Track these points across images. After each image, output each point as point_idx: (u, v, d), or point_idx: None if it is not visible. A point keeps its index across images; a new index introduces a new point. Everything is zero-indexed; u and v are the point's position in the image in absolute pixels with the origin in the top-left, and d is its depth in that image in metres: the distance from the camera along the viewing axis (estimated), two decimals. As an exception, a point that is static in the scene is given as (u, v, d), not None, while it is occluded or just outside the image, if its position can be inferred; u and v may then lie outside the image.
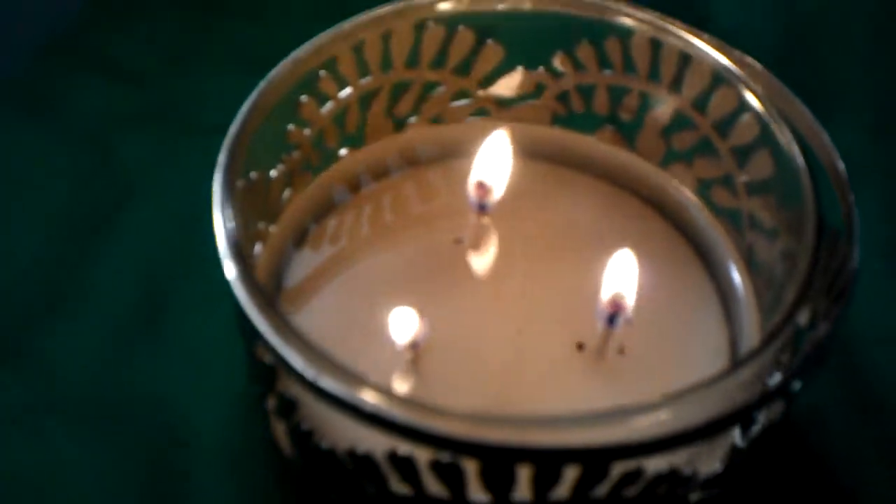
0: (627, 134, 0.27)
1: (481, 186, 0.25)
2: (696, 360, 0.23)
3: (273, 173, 0.25)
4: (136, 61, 0.37)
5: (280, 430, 0.22)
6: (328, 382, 0.18)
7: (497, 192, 0.25)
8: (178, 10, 0.38)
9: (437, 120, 0.28)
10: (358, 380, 0.18)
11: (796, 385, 0.18)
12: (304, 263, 0.25)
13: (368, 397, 0.18)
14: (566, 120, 0.28)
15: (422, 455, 0.18)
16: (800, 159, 0.22)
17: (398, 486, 0.19)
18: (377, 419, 0.18)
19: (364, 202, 0.27)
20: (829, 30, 0.39)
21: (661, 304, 0.24)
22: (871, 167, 0.33)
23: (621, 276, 0.23)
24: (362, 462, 0.19)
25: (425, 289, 0.24)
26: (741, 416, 0.18)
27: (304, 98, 0.25)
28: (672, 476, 0.18)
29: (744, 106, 0.24)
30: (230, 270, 0.19)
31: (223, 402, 0.27)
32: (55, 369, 0.28)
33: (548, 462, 0.17)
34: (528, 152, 0.27)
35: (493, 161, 0.25)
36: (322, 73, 0.25)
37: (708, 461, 0.20)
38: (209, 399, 0.27)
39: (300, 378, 0.18)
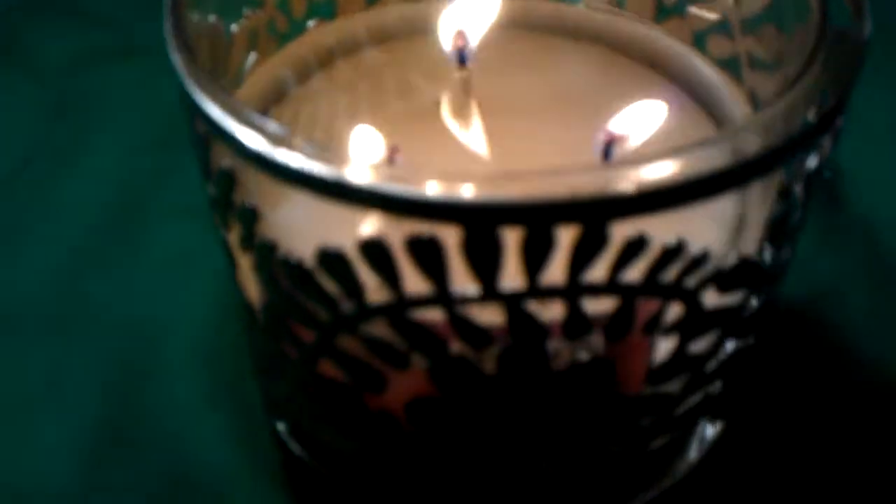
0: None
1: (460, 35, 0.23)
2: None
3: (234, 27, 0.23)
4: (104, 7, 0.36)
5: (245, 267, 0.20)
6: (283, 153, 0.16)
7: (476, 39, 0.23)
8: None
9: (413, -6, 0.26)
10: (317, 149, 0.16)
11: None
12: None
13: (331, 163, 0.16)
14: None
15: (395, 236, 0.16)
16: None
17: (375, 296, 0.17)
18: (341, 187, 0.16)
19: (335, 74, 0.25)
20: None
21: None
22: None
23: (622, 122, 0.22)
24: (333, 263, 0.17)
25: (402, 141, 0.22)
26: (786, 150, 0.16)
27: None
28: (681, 252, 0.16)
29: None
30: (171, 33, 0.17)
31: (196, 305, 0.26)
32: (23, 282, 0.28)
33: (536, 220, 0.15)
34: (515, 23, 0.26)
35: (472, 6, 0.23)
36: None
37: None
38: (181, 304, 0.27)
39: (243, 149, 0.16)
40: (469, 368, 0.18)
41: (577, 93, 0.24)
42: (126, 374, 0.26)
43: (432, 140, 0.23)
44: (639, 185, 0.15)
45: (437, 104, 0.24)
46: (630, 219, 0.15)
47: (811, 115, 0.16)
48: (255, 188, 0.18)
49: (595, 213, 0.15)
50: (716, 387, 0.21)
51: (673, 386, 0.20)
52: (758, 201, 0.20)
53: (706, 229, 0.19)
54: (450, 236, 0.16)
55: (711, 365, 0.20)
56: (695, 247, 0.16)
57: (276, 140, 0.16)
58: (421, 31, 0.26)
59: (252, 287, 0.21)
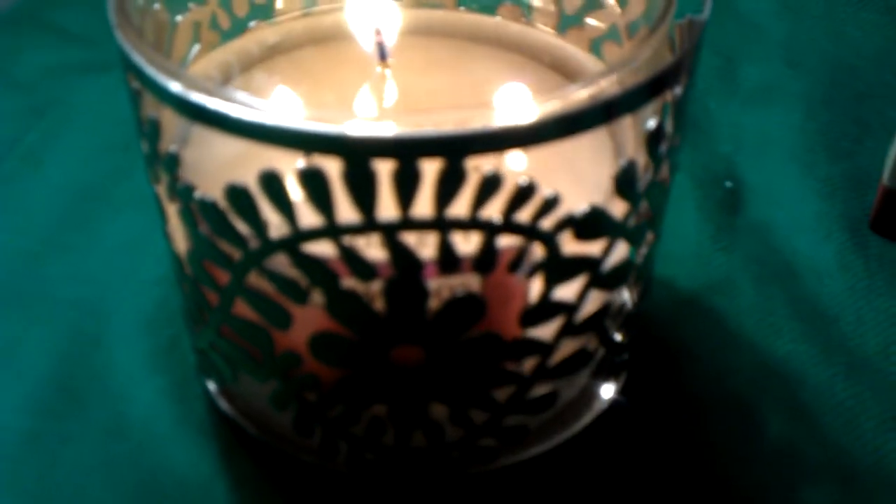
0: (526, 7, 0.29)
1: (377, 32, 0.26)
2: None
3: (179, 18, 0.26)
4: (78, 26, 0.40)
5: (173, 218, 0.22)
6: (197, 95, 0.19)
7: (392, 39, 0.26)
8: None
9: (344, 5, 0.29)
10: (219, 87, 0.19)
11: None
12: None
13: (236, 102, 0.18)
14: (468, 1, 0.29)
15: (288, 165, 0.19)
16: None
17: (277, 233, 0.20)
18: (242, 124, 0.18)
19: (276, 66, 0.28)
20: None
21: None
22: None
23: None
24: (239, 199, 0.20)
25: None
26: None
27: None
28: (533, 192, 0.19)
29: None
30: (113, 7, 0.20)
31: (141, 284, 0.29)
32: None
33: (404, 154, 0.18)
34: (438, 31, 0.29)
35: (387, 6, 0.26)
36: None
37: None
38: (129, 283, 0.29)
39: (169, 96, 0.19)
40: (359, 303, 0.21)
41: (486, 87, 0.27)
42: (76, 343, 0.29)
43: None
44: (491, 124, 0.18)
45: (361, 93, 0.27)
46: (488, 154, 0.18)
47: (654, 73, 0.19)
48: (179, 138, 0.21)
49: (454, 147, 0.18)
50: (592, 341, 0.24)
51: (546, 332, 0.22)
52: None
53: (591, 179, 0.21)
54: (333, 169, 0.18)
55: (581, 314, 0.22)
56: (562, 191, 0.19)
57: (189, 83, 0.19)
58: (350, 36, 0.29)
59: (179, 240, 0.23)
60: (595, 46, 0.28)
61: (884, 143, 0.32)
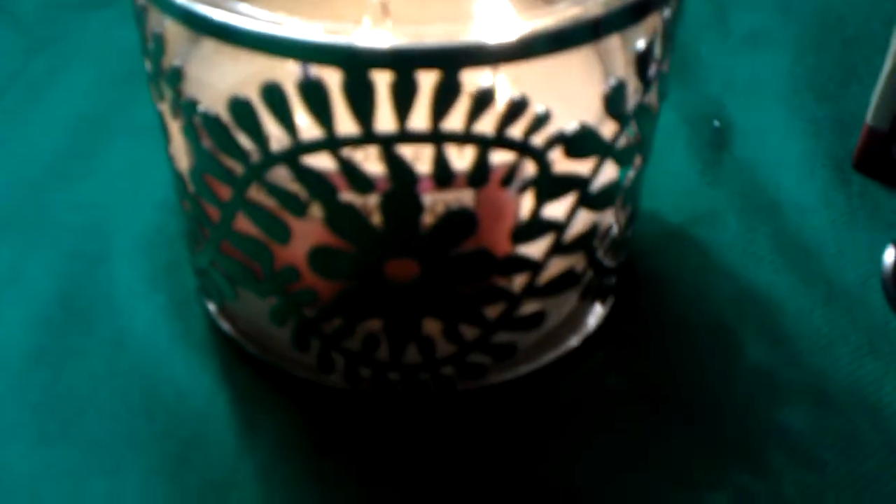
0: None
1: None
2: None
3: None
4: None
5: (176, 136, 0.23)
6: (203, 8, 0.19)
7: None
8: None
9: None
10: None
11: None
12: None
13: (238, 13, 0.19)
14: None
15: (289, 80, 0.20)
16: None
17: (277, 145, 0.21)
18: (246, 35, 0.19)
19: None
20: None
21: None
22: None
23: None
24: (241, 111, 0.20)
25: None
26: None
27: None
28: (525, 108, 0.20)
29: None
30: None
31: (142, 208, 0.30)
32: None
33: (401, 65, 0.19)
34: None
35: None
36: None
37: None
38: (130, 207, 0.30)
39: (174, 8, 0.20)
40: (357, 216, 0.21)
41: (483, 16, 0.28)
42: (79, 264, 0.30)
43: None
44: (485, 38, 0.19)
45: (359, 23, 0.27)
46: (481, 66, 0.19)
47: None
48: (182, 56, 0.22)
49: (450, 59, 0.19)
50: (580, 261, 0.24)
51: (536, 250, 0.23)
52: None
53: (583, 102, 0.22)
54: (334, 82, 0.19)
55: (570, 233, 0.23)
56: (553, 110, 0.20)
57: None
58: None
59: (182, 158, 0.24)
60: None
61: (868, 88, 0.33)
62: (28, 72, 0.37)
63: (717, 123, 0.34)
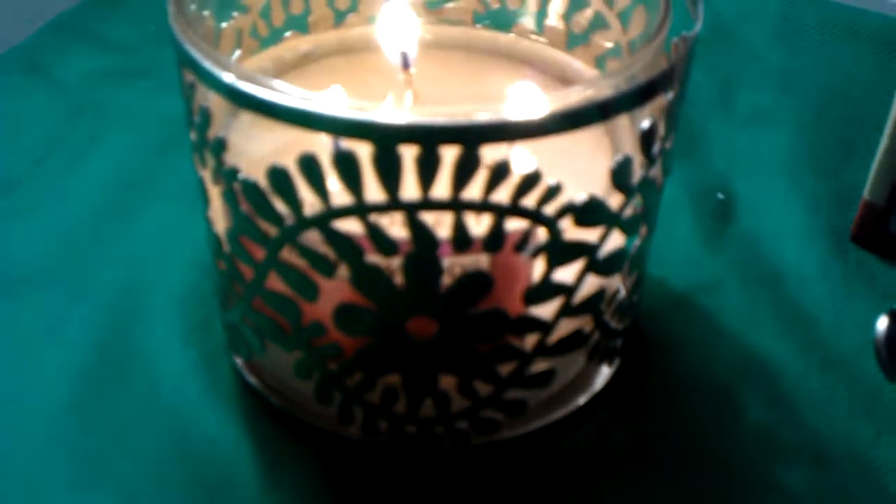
0: (539, 24, 0.32)
1: (400, 44, 0.29)
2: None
3: (223, 25, 0.29)
4: (119, 35, 0.43)
5: (215, 201, 0.25)
6: (246, 84, 0.21)
7: (414, 49, 0.29)
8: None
9: (372, 19, 0.32)
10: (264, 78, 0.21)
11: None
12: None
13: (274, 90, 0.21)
14: (487, 17, 0.32)
15: (323, 151, 0.22)
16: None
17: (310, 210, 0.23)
18: (287, 111, 0.21)
19: (307, 73, 0.31)
20: None
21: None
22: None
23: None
24: (278, 179, 0.22)
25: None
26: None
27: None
28: (538, 180, 0.22)
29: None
30: (172, 10, 0.23)
31: (176, 268, 0.32)
32: (37, 248, 0.34)
33: (426, 139, 0.21)
34: (453, 45, 0.32)
35: (409, 22, 0.29)
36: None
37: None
38: (165, 266, 0.32)
39: (221, 85, 0.22)
40: (381, 276, 0.23)
41: (499, 95, 0.30)
42: (116, 320, 0.31)
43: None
44: (503, 116, 0.21)
45: (386, 98, 0.30)
46: (498, 143, 0.21)
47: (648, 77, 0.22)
48: (225, 127, 0.24)
49: (470, 135, 0.21)
50: (588, 323, 0.26)
51: (547, 311, 0.25)
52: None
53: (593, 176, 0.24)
54: (364, 153, 0.21)
55: (578, 296, 0.25)
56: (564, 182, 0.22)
57: (240, 74, 0.22)
58: (377, 47, 0.32)
59: (220, 221, 0.26)
60: (600, 62, 0.30)
61: (868, 163, 0.35)
62: (71, 135, 0.39)
63: (721, 196, 0.36)
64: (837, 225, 0.35)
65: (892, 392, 0.29)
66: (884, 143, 0.33)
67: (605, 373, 0.29)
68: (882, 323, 0.28)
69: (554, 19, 0.31)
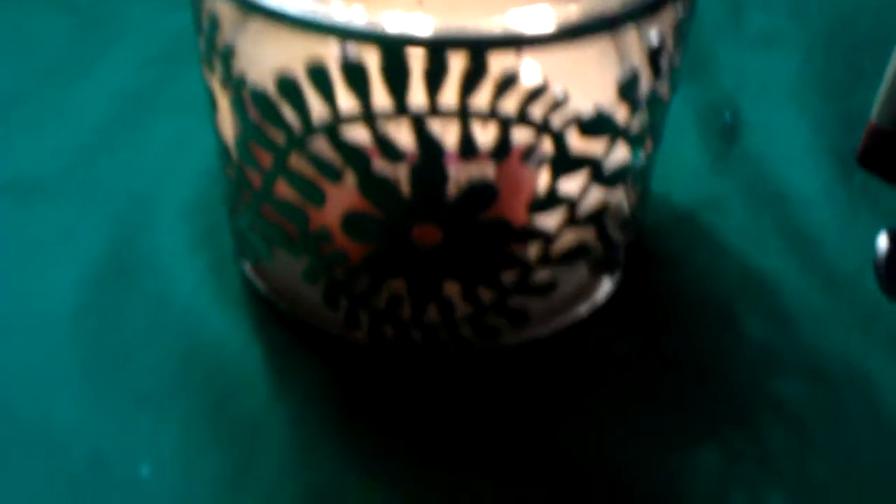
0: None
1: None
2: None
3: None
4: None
5: (223, 109, 0.25)
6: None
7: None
8: None
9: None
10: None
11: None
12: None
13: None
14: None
15: (331, 58, 0.22)
16: None
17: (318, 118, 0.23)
18: (296, 18, 0.21)
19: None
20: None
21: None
22: None
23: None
24: (287, 87, 0.23)
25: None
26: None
27: None
28: (544, 91, 0.22)
29: None
30: None
31: (185, 177, 0.32)
32: (47, 157, 0.34)
33: (434, 46, 0.21)
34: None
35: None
36: None
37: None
38: (173, 176, 0.32)
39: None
40: (388, 184, 0.24)
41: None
42: (126, 228, 0.32)
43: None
44: (512, 26, 0.21)
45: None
46: (506, 52, 0.21)
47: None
48: (233, 34, 0.24)
49: (477, 43, 0.21)
50: (591, 235, 0.27)
51: (551, 222, 0.25)
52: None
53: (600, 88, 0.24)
54: (372, 61, 0.21)
55: (582, 208, 0.25)
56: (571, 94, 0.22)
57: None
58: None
59: (228, 128, 0.26)
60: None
61: (875, 88, 0.35)
62: (80, 50, 0.39)
63: (728, 116, 0.36)
64: (844, 148, 0.35)
65: (889, 310, 0.29)
66: (891, 66, 0.33)
67: (607, 286, 0.29)
68: (882, 240, 0.29)
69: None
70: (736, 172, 0.34)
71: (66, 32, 0.40)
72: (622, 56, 0.26)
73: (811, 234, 0.32)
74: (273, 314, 0.29)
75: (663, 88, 0.25)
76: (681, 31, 0.24)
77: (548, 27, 0.21)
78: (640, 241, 0.30)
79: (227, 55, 0.24)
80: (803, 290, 0.30)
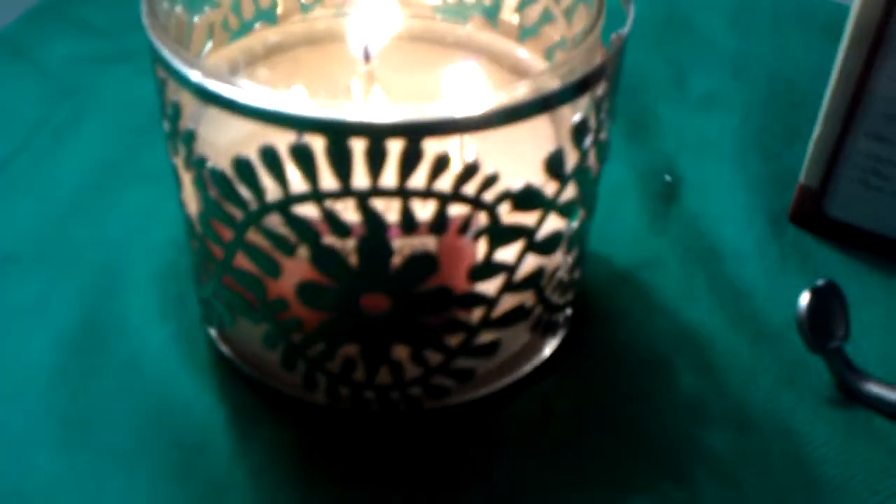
0: (492, 18, 0.34)
1: (363, 37, 0.31)
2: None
3: (196, 18, 0.31)
4: (100, 20, 0.45)
5: (187, 185, 0.28)
6: (212, 83, 0.24)
7: (376, 42, 0.31)
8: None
9: (336, 12, 0.34)
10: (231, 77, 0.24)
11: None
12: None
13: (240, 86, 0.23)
14: (445, 10, 0.34)
15: (282, 143, 0.24)
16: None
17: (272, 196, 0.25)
18: (250, 108, 0.24)
19: (277, 63, 0.33)
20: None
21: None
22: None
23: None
24: (243, 169, 0.25)
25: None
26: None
27: (222, -37, 0.31)
28: (477, 170, 0.24)
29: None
30: (145, 11, 0.26)
31: (153, 245, 0.34)
32: (21, 226, 0.36)
33: (375, 134, 0.23)
34: (417, 37, 0.34)
35: (374, 16, 0.31)
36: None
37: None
38: (142, 244, 0.34)
39: (189, 83, 0.24)
40: (337, 256, 0.26)
41: (453, 84, 0.32)
42: (99, 295, 0.34)
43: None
44: (442, 113, 0.23)
45: (349, 87, 0.32)
46: (440, 137, 0.23)
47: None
48: (194, 119, 0.26)
49: (414, 131, 0.23)
50: (530, 298, 0.29)
51: (490, 287, 0.27)
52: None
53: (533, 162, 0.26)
54: (319, 146, 0.23)
55: (519, 274, 0.27)
56: (504, 175, 0.24)
57: (206, 73, 0.24)
58: (344, 38, 0.34)
59: (192, 204, 0.28)
60: (549, 53, 0.33)
61: (808, 148, 0.37)
62: (54, 118, 0.41)
63: (668, 178, 0.39)
64: (776, 206, 0.38)
65: (814, 363, 0.31)
66: (817, 130, 0.35)
67: (550, 344, 0.31)
68: (804, 298, 0.31)
69: (507, 13, 0.34)
70: (673, 231, 0.36)
71: (39, 101, 0.42)
72: (557, 129, 0.28)
73: (743, 289, 0.34)
74: (237, 377, 0.31)
75: (591, 162, 0.27)
76: (603, 108, 0.26)
77: (472, 113, 0.23)
78: (582, 300, 0.33)
79: (189, 139, 0.26)
80: (733, 344, 0.32)
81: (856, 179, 0.35)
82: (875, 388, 0.31)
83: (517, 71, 0.33)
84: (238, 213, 0.26)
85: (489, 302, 0.27)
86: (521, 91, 0.24)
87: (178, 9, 0.29)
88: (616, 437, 0.29)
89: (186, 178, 0.27)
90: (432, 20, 0.35)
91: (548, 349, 0.31)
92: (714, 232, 0.36)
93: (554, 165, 0.25)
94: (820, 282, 0.30)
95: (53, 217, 0.37)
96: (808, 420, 0.30)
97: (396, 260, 0.25)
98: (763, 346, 0.32)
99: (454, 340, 0.28)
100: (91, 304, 0.33)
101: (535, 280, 0.28)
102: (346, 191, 0.24)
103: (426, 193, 0.24)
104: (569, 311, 0.32)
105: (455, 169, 0.24)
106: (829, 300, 0.30)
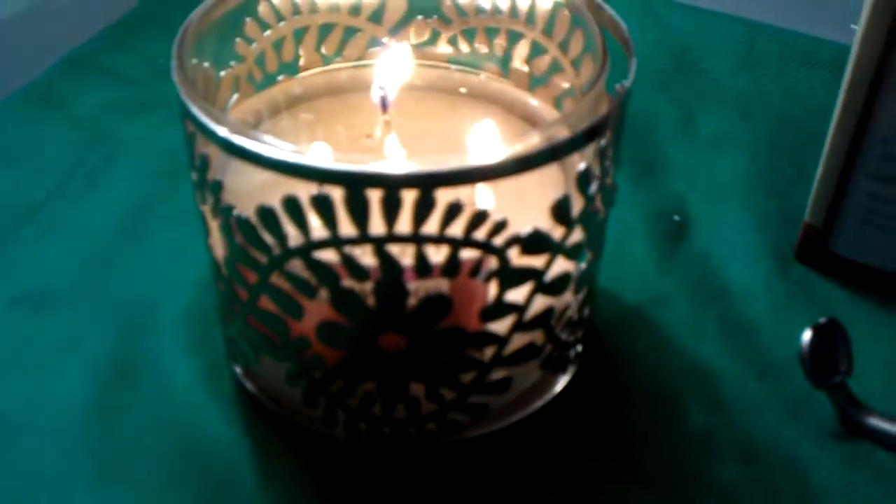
0: (504, 67, 0.35)
1: (381, 89, 0.33)
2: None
3: (222, 73, 0.33)
4: (130, 69, 0.47)
5: (214, 231, 0.29)
6: (238, 138, 0.25)
7: (394, 93, 0.33)
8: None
9: (356, 63, 0.36)
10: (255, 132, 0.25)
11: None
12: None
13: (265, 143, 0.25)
14: (459, 60, 0.36)
15: (303, 192, 0.25)
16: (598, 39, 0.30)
17: (294, 242, 0.26)
18: (272, 161, 0.25)
19: (299, 113, 0.35)
20: None
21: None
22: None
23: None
24: (267, 217, 0.26)
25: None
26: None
27: (247, 19, 0.33)
28: (486, 217, 0.26)
29: (574, 20, 0.32)
30: (175, 68, 0.27)
31: (182, 286, 0.35)
32: (56, 269, 0.37)
33: (390, 184, 0.25)
34: (432, 86, 0.36)
35: (392, 67, 0.33)
36: (261, 5, 0.33)
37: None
38: (172, 285, 0.36)
39: (216, 138, 0.26)
40: (356, 298, 0.27)
41: (467, 132, 0.34)
42: (129, 334, 0.35)
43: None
44: (453, 164, 0.25)
45: (370, 135, 0.33)
46: (452, 187, 0.25)
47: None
48: (221, 168, 0.28)
49: (426, 182, 0.25)
50: (540, 337, 0.30)
51: (501, 327, 0.29)
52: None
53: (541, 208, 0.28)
54: (339, 196, 0.25)
55: (529, 314, 0.29)
56: (515, 220, 0.26)
57: (233, 128, 0.25)
58: (364, 87, 0.35)
59: (218, 248, 0.30)
60: (559, 102, 0.34)
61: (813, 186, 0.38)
62: (86, 163, 0.43)
63: (677, 217, 0.40)
64: (782, 244, 0.39)
65: (818, 398, 0.32)
66: (820, 169, 0.36)
67: (562, 381, 0.33)
68: (807, 335, 0.32)
69: (518, 63, 0.35)
70: (682, 270, 0.38)
71: (72, 147, 0.44)
72: (567, 175, 0.29)
73: (750, 326, 0.35)
74: (261, 412, 0.32)
75: (597, 207, 0.29)
76: (607, 157, 0.28)
77: (488, 162, 0.25)
78: (592, 337, 0.34)
79: (216, 189, 0.27)
80: (740, 380, 0.33)
81: (859, 217, 0.36)
82: (877, 422, 0.32)
83: (528, 118, 0.35)
84: (262, 258, 0.27)
85: (500, 341, 0.28)
86: (530, 141, 0.25)
87: (206, 64, 0.31)
88: (626, 472, 0.30)
89: (213, 225, 0.29)
90: (447, 69, 0.36)
91: (559, 385, 0.32)
92: (722, 270, 0.37)
93: (560, 211, 0.27)
94: (822, 319, 0.31)
95: (86, 258, 0.38)
96: (813, 453, 0.31)
97: (412, 301, 0.27)
98: (769, 382, 0.33)
99: (467, 378, 0.29)
100: (122, 341, 0.35)
101: (544, 319, 0.29)
102: (363, 237, 0.25)
103: (439, 239, 0.26)
104: (579, 348, 0.33)
105: (466, 214, 0.25)
106: (831, 337, 0.32)
